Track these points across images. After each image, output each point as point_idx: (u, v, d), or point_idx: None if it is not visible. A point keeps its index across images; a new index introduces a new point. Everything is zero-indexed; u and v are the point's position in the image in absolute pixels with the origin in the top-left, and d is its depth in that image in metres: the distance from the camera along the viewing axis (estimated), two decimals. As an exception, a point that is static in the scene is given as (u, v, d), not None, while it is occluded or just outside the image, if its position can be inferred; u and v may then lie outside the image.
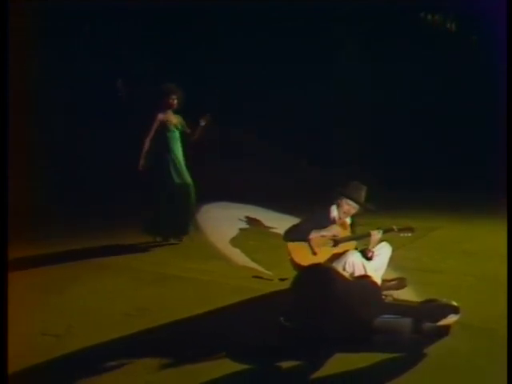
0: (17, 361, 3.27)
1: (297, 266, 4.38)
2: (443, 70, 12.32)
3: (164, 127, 6.69)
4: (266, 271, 5.57)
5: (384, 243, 4.50)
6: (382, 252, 4.46)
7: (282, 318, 3.98)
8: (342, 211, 4.48)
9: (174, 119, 6.75)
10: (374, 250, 4.43)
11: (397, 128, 12.47)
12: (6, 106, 3.73)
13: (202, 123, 6.70)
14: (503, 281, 4.56)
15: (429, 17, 13.46)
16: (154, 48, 13.38)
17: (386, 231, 4.47)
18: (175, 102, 6.71)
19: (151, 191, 6.87)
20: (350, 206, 4.47)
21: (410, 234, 4.57)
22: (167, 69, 12.55)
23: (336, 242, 4.40)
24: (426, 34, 12.85)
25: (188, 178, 6.74)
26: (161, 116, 6.69)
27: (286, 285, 4.64)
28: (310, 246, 4.38)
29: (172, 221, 6.76)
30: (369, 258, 4.38)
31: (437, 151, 11.89)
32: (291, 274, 4.38)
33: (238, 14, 12.47)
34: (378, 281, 4.21)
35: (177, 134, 6.77)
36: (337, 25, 12.94)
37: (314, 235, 4.37)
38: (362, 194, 4.47)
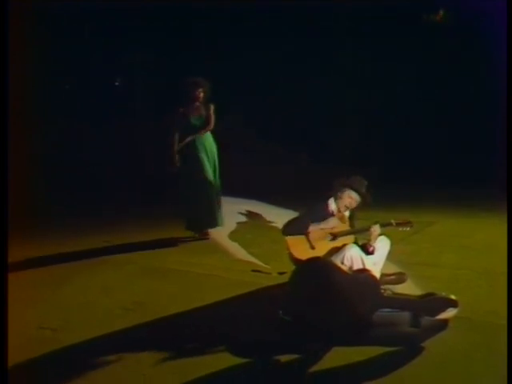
0: (13, 354, 3.26)
1: (295, 261, 4.37)
2: (444, 67, 12.32)
3: (185, 121, 6.61)
4: (265, 265, 5.56)
5: (382, 237, 4.48)
6: (381, 246, 4.44)
7: (280, 312, 3.97)
8: (343, 204, 4.46)
9: (201, 110, 6.63)
10: (374, 244, 4.41)
11: (396, 124, 12.48)
12: (6, 107, 3.72)
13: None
14: (501, 274, 4.55)
15: (429, 16, 13.46)
16: (154, 45, 13.40)
17: (384, 225, 4.45)
18: (201, 95, 6.60)
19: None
20: (351, 200, 4.44)
21: (408, 228, 4.55)
22: (168, 66, 12.61)
23: (334, 235, 4.39)
24: (425, 33, 12.85)
25: (209, 174, 6.65)
26: (181, 109, 6.60)
27: (284, 278, 4.63)
28: (309, 240, 4.37)
29: (196, 217, 6.71)
30: (370, 253, 4.36)
31: (436, 146, 11.90)
32: (290, 267, 4.37)
33: (239, 12, 12.47)
34: (377, 275, 4.20)
35: (203, 124, 6.63)
36: (337, 24, 12.94)
37: (312, 228, 4.36)
38: (364, 188, 4.46)
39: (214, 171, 6.72)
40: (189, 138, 6.60)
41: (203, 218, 6.71)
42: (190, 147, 6.61)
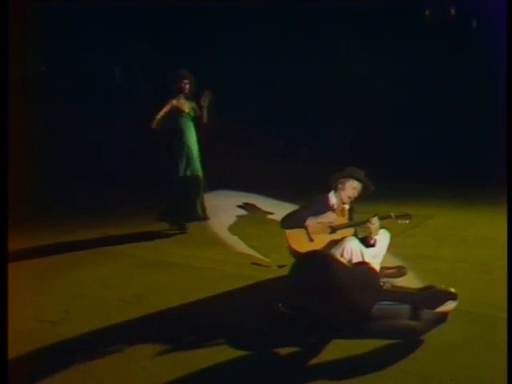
0: (13, 347, 3.26)
1: (295, 254, 4.36)
2: (444, 66, 12.33)
3: (176, 113, 6.59)
4: (265, 258, 5.57)
5: (383, 230, 4.47)
6: (381, 239, 4.43)
7: (280, 305, 3.98)
8: (347, 195, 4.43)
9: (187, 105, 6.63)
10: (375, 237, 4.40)
11: (396, 118, 12.49)
12: (6, 106, 3.72)
13: (204, 103, 6.57)
14: (500, 267, 4.56)
15: (428, 14, 13.45)
16: (155, 40, 13.37)
17: (383, 218, 4.43)
18: (187, 86, 6.61)
19: (164, 179, 6.82)
20: (355, 190, 4.43)
21: (407, 221, 4.52)
22: (168, 61, 12.57)
23: (333, 228, 4.38)
24: (425, 32, 12.84)
25: (198, 168, 6.65)
26: (174, 101, 6.58)
27: (284, 271, 4.64)
28: (308, 232, 4.36)
29: (184, 209, 6.71)
30: (371, 246, 4.35)
31: (435, 140, 11.92)
32: (289, 260, 4.37)
33: (241, 9, 12.44)
34: (377, 267, 4.19)
35: (189, 120, 6.65)
36: (337, 22, 12.92)
37: (310, 222, 4.34)
38: (363, 177, 4.46)
39: (197, 165, 6.70)
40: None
41: (182, 211, 6.72)
42: (171, 138, 6.61)
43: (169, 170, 6.67)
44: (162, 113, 6.54)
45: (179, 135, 6.60)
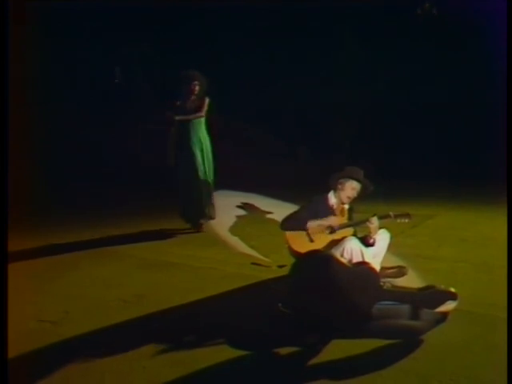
0: (13, 347, 3.26)
1: (295, 254, 4.36)
2: (445, 66, 12.33)
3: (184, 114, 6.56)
4: (265, 258, 5.57)
5: (382, 230, 4.48)
6: (381, 239, 4.44)
7: (280, 305, 3.98)
8: (346, 196, 4.44)
9: (197, 105, 6.59)
10: (375, 236, 4.40)
11: (396, 118, 12.48)
12: (6, 106, 3.72)
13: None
14: (500, 267, 4.56)
15: (428, 15, 13.45)
16: (155, 40, 13.36)
17: (382, 217, 4.44)
18: (197, 88, 6.59)
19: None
20: (354, 190, 4.43)
21: (407, 220, 4.52)
22: (168, 61, 12.59)
23: (333, 228, 4.39)
24: (425, 32, 12.84)
25: (201, 172, 6.63)
26: (178, 103, 6.57)
27: (284, 271, 4.63)
28: (308, 233, 4.36)
29: (191, 209, 6.74)
30: (370, 245, 4.35)
31: (435, 140, 11.91)
32: (289, 260, 4.37)
33: (242, 10, 12.44)
34: (377, 267, 4.19)
35: (196, 121, 6.62)
36: (337, 21, 12.92)
37: (310, 224, 4.34)
38: (362, 176, 4.46)
39: (207, 163, 6.70)
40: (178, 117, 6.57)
41: (193, 210, 6.73)
42: (184, 139, 6.60)
43: (178, 170, 6.68)
44: (172, 145, 6.61)
45: (189, 135, 6.58)
